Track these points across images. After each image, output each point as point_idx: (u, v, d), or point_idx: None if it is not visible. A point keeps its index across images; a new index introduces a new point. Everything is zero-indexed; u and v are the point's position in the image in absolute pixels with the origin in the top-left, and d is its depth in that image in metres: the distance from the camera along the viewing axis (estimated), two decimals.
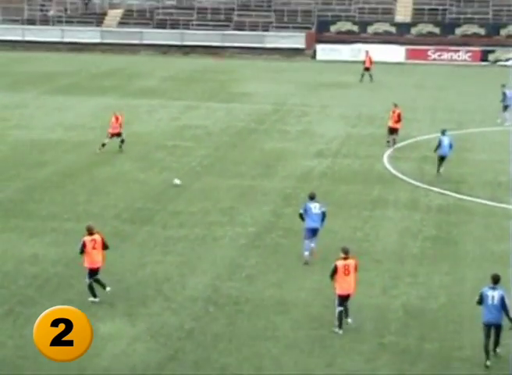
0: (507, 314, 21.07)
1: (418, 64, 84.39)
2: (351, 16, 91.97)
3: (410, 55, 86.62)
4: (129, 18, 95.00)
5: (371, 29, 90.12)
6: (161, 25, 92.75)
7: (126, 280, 26.68)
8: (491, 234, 31.95)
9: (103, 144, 43.40)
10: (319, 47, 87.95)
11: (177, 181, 37.48)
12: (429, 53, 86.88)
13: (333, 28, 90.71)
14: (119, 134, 44.20)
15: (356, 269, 23.29)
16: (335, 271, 23.09)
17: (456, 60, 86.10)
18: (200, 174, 39.75)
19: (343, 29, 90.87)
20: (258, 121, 53.45)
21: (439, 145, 39.92)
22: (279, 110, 57.21)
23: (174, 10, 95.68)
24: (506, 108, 54.85)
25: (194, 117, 54.53)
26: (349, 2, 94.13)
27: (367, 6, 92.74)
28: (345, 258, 23.22)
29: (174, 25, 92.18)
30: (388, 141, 45.46)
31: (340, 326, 22.91)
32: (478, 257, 29.55)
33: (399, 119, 44.96)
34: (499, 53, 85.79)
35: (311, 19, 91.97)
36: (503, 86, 56.62)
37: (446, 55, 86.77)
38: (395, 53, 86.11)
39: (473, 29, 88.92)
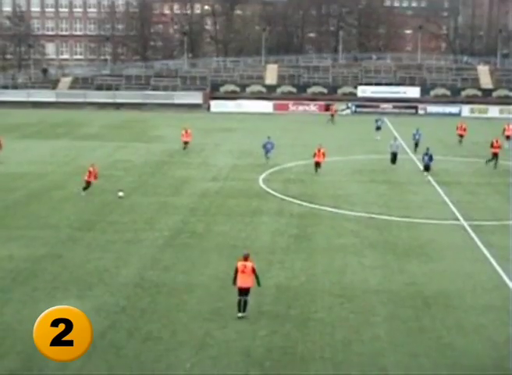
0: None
1: (282, 114, 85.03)
2: (234, 80, 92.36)
3: (276, 107, 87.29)
4: (76, 83, 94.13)
5: (248, 89, 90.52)
6: (99, 88, 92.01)
7: (76, 272, 26.19)
8: (334, 232, 32.25)
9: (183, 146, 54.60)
10: (212, 102, 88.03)
11: (121, 194, 37.58)
12: (290, 106, 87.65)
13: (222, 89, 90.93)
14: (187, 142, 54.66)
15: (253, 270, 21.92)
16: (236, 270, 21.94)
17: (308, 110, 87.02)
18: (129, 194, 39.26)
19: (229, 89, 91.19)
20: (169, 156, 53.15)
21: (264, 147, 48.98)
22: (184, 148, 56.95)
23: (108, 77, 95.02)
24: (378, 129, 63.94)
25: (124, 154, 53.96)
26: (232, 70, 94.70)
27: (245, 73, 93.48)
28: (244, 260, 22.02)
29: (108, 87, 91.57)
30: (316, 171, 45.69)
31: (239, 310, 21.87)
32: (326, 248, 29.78)
33: (323, 156, 45.60)
34: (336, 106, 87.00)
35: (206, 82, 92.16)
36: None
37: (301, 107, 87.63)
38: (266, 106, 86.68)
39: (319, 89, 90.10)
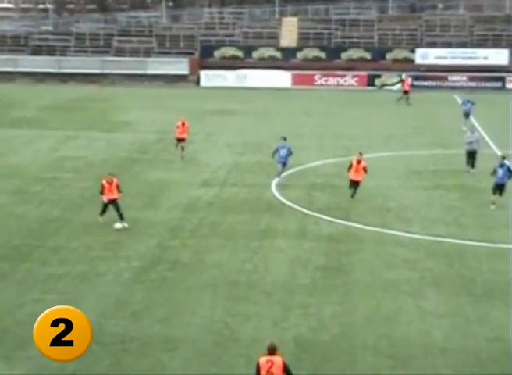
0: None
1: (305, 89, 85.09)
2: (235, 41, 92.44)
3: (296, 80, 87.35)
4: (3, 44, 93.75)
5: (255, 54, 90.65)
6: (37, 51, 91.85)
7: (3, 322, 26.21)
8: (381, 262, 32.25)
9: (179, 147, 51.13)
10: (203, 73, 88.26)
11: (119, 225, 35.67)
12: (316, 78, 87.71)
13: (217, 53, 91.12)
14: (183, 139, 51.11)
15: (284, 369, 18.92)
16: (258, 369, 19.02)
17: (342, 85, 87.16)
18: (81, 207, 39.40)
19: (227, 54, 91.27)
20: (141, 151, 53.31)
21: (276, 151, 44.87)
22: (162, 139, 57.08)
23: (50, 36, 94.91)
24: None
25: (74, 148, 54.11)
26: (233, 27, 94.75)
27: (251, 31, 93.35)
28: (270, 354, 19.06)
29: (50, 51, 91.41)
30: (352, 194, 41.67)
31: None
32: (369, 285, 29.78)
33: (365, 171, 40.81)
34: (385, 78, 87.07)
35: (194, 44, 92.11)
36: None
37: (332, 80, 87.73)
38: (281, 79, 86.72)
39: (359, 53, 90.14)
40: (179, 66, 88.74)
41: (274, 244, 34.43)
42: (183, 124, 51.12)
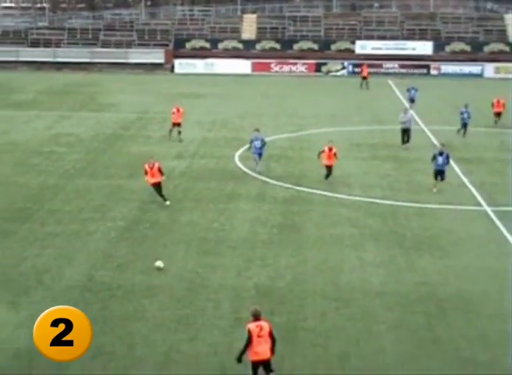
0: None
1: (263, 75, 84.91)
2: (204, 35, 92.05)
3: (255, 67, 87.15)
4: (6, 38, 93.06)
5: (221, 45, 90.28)
6: (35, 44, 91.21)
7: (8, 273, 26.15)
8: (328, 220, 32.36)
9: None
10: (177, 62, 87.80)
11: (159, 264, 26.71)
12: (272, 66, 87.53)
13: (188, 45, 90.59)
14: (179, 124, 48.25)
15: (270, 334, 18.17)
16: (249, 335, 17.98)
17: (294, 71, 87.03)
18: (73, 176, 39.23)
19: (197, 46, 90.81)
20: (124, 128, 53.01)
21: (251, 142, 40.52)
22: (142, 118, 56.87)
23: (46, 30, 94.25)
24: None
25: (67, 126, 53.72)
26: (201, 22, 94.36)
27: (217, 26, 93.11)
28: (256, 319, 18.28)
29: (47, 44, 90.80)
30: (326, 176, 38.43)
31: None
32: (317, 240, 29.90)
33: (335, 157, 38.06)
34: (331, 65, 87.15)
35: (169, 37, 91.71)
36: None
37: (285, 68, 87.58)
38: (242, 66, 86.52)
39: (308, 45, 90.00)
40: (156, 55, 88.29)
41: (238, 206, 34.45)
42: (178, 110, 48.51)
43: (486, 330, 22.28)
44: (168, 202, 33.64)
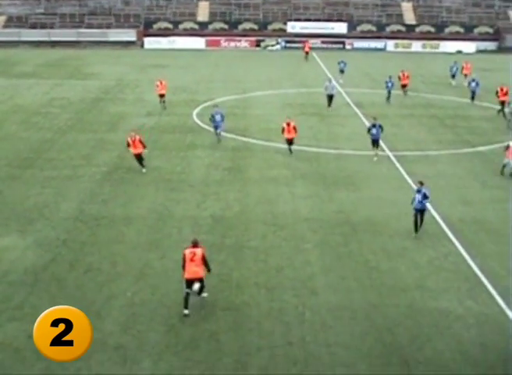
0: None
1: (214, 50, 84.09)
2: (167, 18, 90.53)
3: (208, 43, 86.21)
4: (11, 22, 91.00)
5: (181, 26, 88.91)
6: (34, 26, 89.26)
7: (16, 208, 25.95)
8: (267, 164, 32.43)
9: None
10: (146, 39, 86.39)
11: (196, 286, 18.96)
12: (222, 42, 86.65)
13: (155, 26, 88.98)
14: (163, 95, 45.15)
15: (203, 258, 18.13)
16: (183, 258, 18.11)
17: (239, 47, 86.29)
18: (65, 132, 38.76)
19: (162, 27, 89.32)
20: (105, 92, 52.29)
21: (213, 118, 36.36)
22: (119, 84, 56.09)
23: (42, 16, 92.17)
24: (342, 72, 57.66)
25: (60, 91, 52.78)
26: (165, 8, 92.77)
27: (178, 11, 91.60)
28: (193, 246, 18.20)
29: (43, 26, 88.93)
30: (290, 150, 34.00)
31: (186, 306, 17.97)
32: (258, 179, 29.98)
33: (295, 130, 33.74)
34: (267, 42, 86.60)
35: (140, 20, 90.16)
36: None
37: (233, 44, 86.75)
38: (198, 43, 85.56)
39: (250, 25, 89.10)
40: (129, 35, 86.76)
41: (195, 153, 34.37)
42: (161, 82, 45.37)
43: (388, 246, 22.67)
44: (144, 170, 30.73)
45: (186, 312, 17.94)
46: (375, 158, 32.98)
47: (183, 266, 18.10)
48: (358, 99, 48.30)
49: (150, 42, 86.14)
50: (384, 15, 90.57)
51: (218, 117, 36.33)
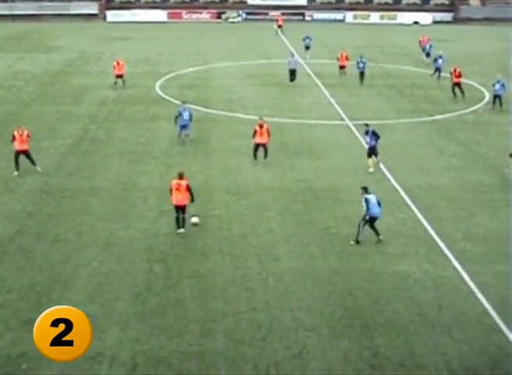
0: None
1: (176, 22, 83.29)
2: None
3: (170, 16, 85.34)
4: None
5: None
6: None
7: None
8: (229, 134, 32.38)
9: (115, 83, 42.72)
10: (108, 12, 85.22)
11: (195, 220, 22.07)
12: (183, 14, 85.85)
13: None
14: (121, 76, 42.52)
15: (187, 187, 20.73)
16: (170, 188, 20.87)
17: (200, 19, 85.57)
18: (29, 104, 38.28)
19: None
20: (68, 65, 51.58)
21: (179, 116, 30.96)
22: (82, 57, 55.36)
23: None
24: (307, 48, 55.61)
25: (23, 64, 51.99)
26: None
27: None
28: (179, 178, 20.70)
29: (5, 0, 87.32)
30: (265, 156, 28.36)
31: (178, 227, 20.78)
32: (221, 150, 29.97)
33: (268, 134, 28.07)
34: (228, 14, 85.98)
35: None
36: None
37: (194, 16, 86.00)
38: (160, 15, 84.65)
39: None
40: (92, 7, 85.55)
41: (159, 125, 34.17)
42: (118, 63, 42.57)
43: (349, 212, 22.82)
44: (39, 168, 26.51)
45: (179, 230, 20.84)
46: (371, 170, 27.05)
47: (171, 194, 20.95)
48: (318, 70, 48.29)
49: (112, 15, 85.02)
50: None
51: (186, 115, 30.75)
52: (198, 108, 37.37)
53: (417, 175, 26.57)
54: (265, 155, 27.87)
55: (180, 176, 20.83)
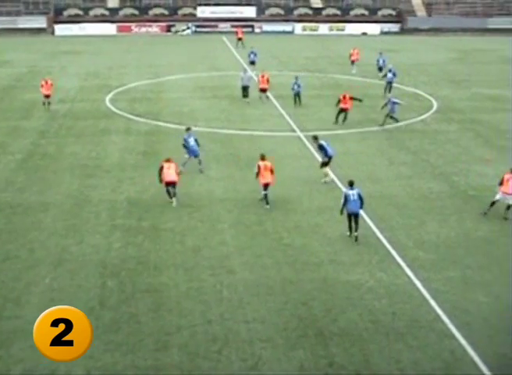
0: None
1: (126, 35, 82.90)
2: (77, 4, 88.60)
3: (119, 29, 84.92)
4: None
5: (91, 12, 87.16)
6: None
7: None
8: (180, 147, 32.16)
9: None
10: (56, 26, 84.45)
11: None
12: (133, 27, 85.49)
13: (65, 13, 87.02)
14: (48, 96, 39.69)
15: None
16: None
17: (150, 32, 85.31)
18: None
19: (72, 13, 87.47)
20: (17, 80, 50.92)
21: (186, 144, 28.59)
22: (31, 71, 54.66)
23: None
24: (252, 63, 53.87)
25: None
26: None
27: None
28: (167, 161, 24.69)
29: None
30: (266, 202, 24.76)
31: (170, 197, 24.70)
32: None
33: (272, 172, 24.45)
34: (178, 27, 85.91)
35: (49, 6, 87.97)
36: None
37: (144, 29, 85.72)
38: (109, 29, 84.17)
39: (160, 10, 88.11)
40: (40, 21, 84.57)
41: (110, 138, 33.91)
42: (46, 82, 40.23)
43: (301, 223, 22.92)
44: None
45: (171, 200, 24.54)
46: (327, 179, 27.24)
47: (160, 174, 24.51)
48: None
49: (60, 29, 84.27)
50: None
51: (191, 141, 28.45)
52: (149, 121, 37.21)
53: (368, 184, 26.78)
54: (266, 200, 24.53)
55: (167, 160, 24.78)
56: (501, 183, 23.43)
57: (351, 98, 36.82)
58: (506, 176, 23.23)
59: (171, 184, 24.57)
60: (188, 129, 29.27)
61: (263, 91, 42.58)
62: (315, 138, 27.77)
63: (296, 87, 41.44)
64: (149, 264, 19.75)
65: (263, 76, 42.51)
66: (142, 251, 20.57)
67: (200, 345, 15.71)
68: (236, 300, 17.73)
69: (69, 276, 18.95)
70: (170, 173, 24.48)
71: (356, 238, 21.50)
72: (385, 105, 36.65)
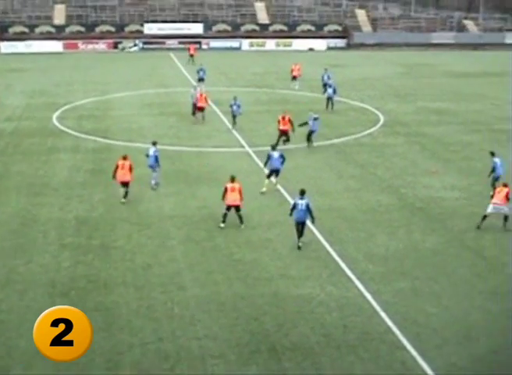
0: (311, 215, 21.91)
1: (72, 52, 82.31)
2: (23, 21, 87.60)
3: (66, 46, 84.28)
4: None
5: (37, 30, 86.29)
6: None
7: None
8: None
9: None
10: (2, 44, 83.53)
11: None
12: (79, 45, 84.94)
13: (11, 30, 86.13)
14: None
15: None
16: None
17: (97, 49, 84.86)
18: None
19: (18, 31, 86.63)
20: None
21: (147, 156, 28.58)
22: None
23: None
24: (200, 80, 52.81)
25: None
26: (21, 11, 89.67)
27: (33, 14, 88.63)
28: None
29: None
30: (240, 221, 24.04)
31: (124, 197, 26.34)
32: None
33: (240, 194, 24.02)
34: (125, 43, 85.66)
35: None
36: None
37: (90, 46, 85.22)
38: (55, 46, 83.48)
39: (107, 27, 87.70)
40: None
41: (57, 157, 33.56)
42: None
43: (252, 238, 22.95)
44: None
45: (123, 200, 26.18)
46: (264, 189, 27.77)
47: (115, 172, 26.17)
48: (216, 97, 48.46)
49: (6, 46, 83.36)
50: (238, 15, 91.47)
51: (150, 152, 28.40)
52: (97, 138, 36.94)
53: (317, 197, 26.89)
54: (241, 220, 24.06)
55: (124, 157, 26.22)
56: (492, 197, 24.42)
57: (290, 120, 34.88)
58: (498, 189, 24.28)
59: (123, 184, 26.09)
60: (154, 143, 28.97)
61: (200, 109, 41.28)
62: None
63: (234, 107, 39.23)
64: (99, 283, 19.52)
65: (201, 95, 41.46)
66: (92, 270, 20.34)
67: (152, 363, 15.57)
68: (188, 317, 17.63)
69: (17, 297, 18.62)
70: (123, 173, 25.90)
71: (299, 247, 21.73)
72: (305, 123, 35.79)
